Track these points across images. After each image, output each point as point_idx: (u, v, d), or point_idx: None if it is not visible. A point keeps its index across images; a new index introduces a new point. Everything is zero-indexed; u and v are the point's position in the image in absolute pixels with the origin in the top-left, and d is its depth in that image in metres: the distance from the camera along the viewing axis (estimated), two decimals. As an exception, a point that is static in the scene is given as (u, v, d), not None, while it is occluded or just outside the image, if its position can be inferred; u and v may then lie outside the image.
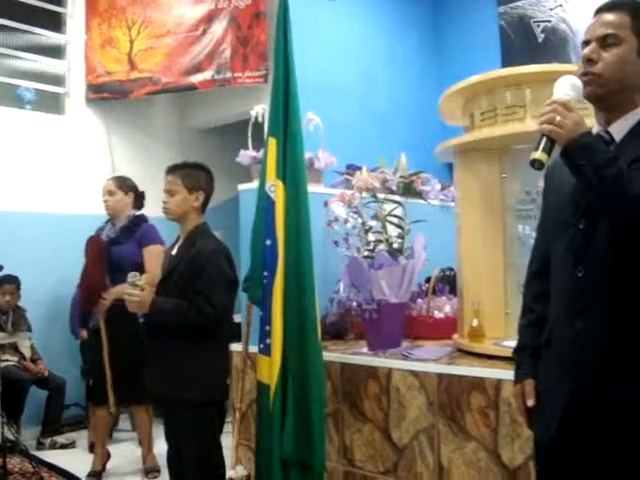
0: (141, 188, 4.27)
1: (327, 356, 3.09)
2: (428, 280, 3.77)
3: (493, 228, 3.06)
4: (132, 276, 2.80)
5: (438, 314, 3.57)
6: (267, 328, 2.90)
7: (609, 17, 1.63)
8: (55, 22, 5.85)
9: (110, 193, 4.07)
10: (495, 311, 3.02)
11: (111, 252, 3.97)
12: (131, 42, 5.78)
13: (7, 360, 4.79)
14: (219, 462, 2.90)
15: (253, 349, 3.18)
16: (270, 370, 2.87)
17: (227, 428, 3.59)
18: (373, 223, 3.30)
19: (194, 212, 2.93)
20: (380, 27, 6.43)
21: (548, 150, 1.54)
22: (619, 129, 1.63)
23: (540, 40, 6.10)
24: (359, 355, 3.17)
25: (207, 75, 5.55)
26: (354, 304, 3.56)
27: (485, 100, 3.00)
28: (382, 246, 3.22)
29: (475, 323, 2.99)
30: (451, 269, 3.77)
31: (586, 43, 1.66)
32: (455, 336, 3.22)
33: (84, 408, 5.16)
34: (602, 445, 1.55)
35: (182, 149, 6.17)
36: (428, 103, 5.32)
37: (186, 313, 2.72)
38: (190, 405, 2.75)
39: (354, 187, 3.35)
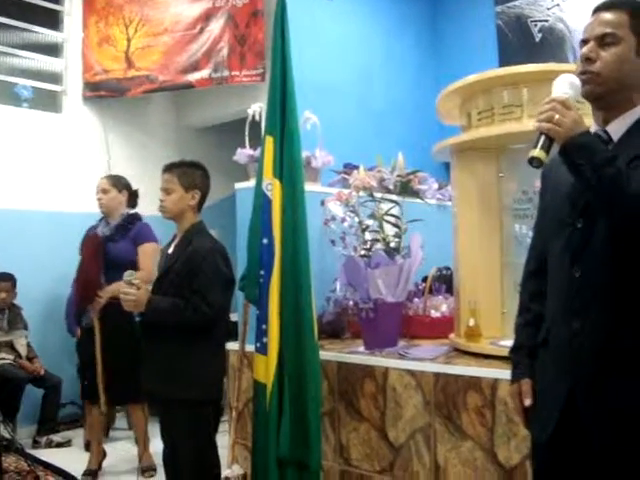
0: (138, 186, 4.26)
1: (324, 355, 3.09)
2: (425, 279, 3.77)
3: (490, 227, 3.06)
4: (128, 275, 2.79)
5: (435, 313, 3.57)
6: (263, 327, 2.90)
7: (607, 16, 1.62)
8: (52, 20, 5.83)
9: (104, 191, 4.07)
10: (492, 310, 3.02)
11: (107, 249, 3.96)
12: (128, 40, 5.77)
13: (3, 358, 4.79)
14: (214, 461, 2.90)
15: (249, 348, 3.18)
16: (266, 369, 2.87)
17: (223, 427, 3.60)
18: (370, 222, 3.29)
19: (190, 211, 2.92)
20: (378, 26, 6.43)
21: (547, 148, 1.53)
22: (617, 128, 1.63)
23: (537, 40, 6.11)
24: (356, 354, 3.16)
25: (204, 73, 5.54)
26: (351, 303, 3.55)
27: (482, 99, 3.00)
28: (379, 245, 3.22)
29: (472, 322, 2.99)
30: (448, 268, 3.77)
31: (584, 42, 1.65)
32: (452, 335, 3.22)
33: (80, 407, 5.14)
34: (599, 445, 1.55)
35: (179, 147, 6.17)
36: (425, 102, 5.33)
37: (182, 312, 2.71)
38: (186, 404, 2.74)
39: (351, 186, 3.35)
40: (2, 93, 5.49)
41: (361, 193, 3.30)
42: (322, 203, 3.60)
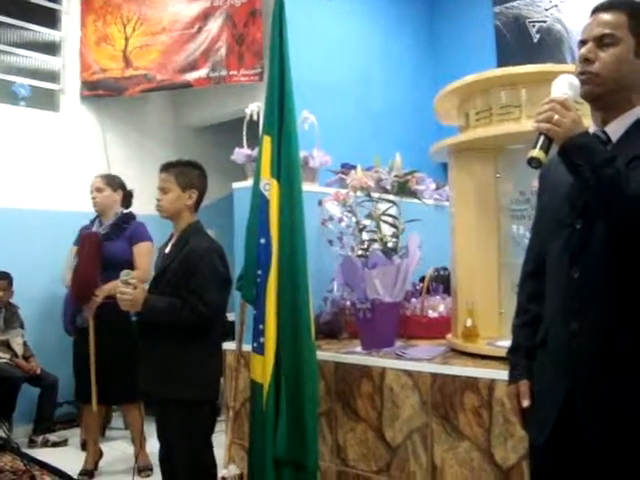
0: (135, 185, 4.25)
1: (321, 355, 3.09)
2: (422, 279, 3.77)
3: (487, 228, 3.06)
4: (125, 274, 2.78)
5: (432, 314, 3.57)
6: (261, 327, 2.90)
7: (606, 17, 1.62)
8: (50, 18, 5.82)
9: (98, 190, 4.06)
10: (489, 311, 3.02)
11: (103, 249, 3.95)
12: (126, 39, 5.76)
13: (-1, 357, 4.78)
14: (210, 461, 2.89)
15: (246, 348, 3.17)
16: (263, 369, 2.87)
17: (220, 427, 3.59)
18: (367, 222, 3.29)
19: (187, 210, 2.91)
20: (376, 26, 6.42)
21: (546, 148, 1.53)
22: (616, 129, 1.63)
23: (535, 40, 6.11)
24: (353, 354, 3.16)
25: (202, 73, 5.54)
26: (348, 303, 3.56)
27: (480, 100, 3.00)
28: (376, 245, 3.22)
29: (469, 323, 2.99)
30: (445, 269, 3.77)
31: (583, 43, 1.65)
32: (449, 336, 3.22)
33: (76, 406, 5.12)
34: (598, 446, 1.55)
35: (177, 147, 6.16)
36: (423, 102, 5.31)
37: (179, 311, 2.70)
38: (183, 404, 2.73)
39: (349, 186, 3.34)
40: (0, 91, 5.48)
41: (358, 193, 3.30)
42: (319, 203, 3.59)
